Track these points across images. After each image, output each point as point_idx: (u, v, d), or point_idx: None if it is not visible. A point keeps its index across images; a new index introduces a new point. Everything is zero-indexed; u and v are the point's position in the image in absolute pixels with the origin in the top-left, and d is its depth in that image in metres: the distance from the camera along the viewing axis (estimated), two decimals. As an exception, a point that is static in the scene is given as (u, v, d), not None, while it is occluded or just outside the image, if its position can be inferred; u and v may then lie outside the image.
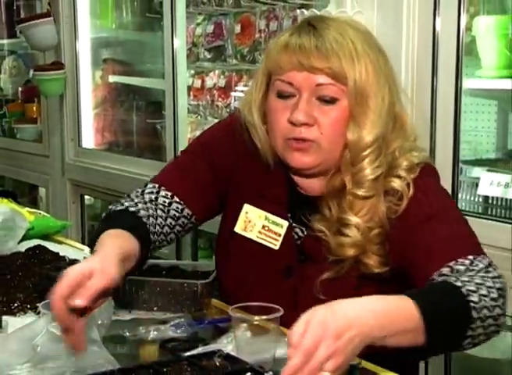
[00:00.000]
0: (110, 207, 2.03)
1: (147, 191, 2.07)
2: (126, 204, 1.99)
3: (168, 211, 2.04)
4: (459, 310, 1.63)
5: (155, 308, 2.09)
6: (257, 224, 2.04)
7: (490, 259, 1.80)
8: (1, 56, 6.23)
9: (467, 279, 1.67)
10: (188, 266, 2.29)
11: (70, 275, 1.57)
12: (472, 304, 1.63)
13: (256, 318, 1.74)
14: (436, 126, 2.59)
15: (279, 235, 2.02)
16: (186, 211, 2.07)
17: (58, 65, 4.70)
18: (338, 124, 1.88)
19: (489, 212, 2.68)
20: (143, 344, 1.90)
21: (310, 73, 1.85)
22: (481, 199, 2.72)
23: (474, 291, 1.65)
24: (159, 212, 2.01)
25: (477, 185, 2.72)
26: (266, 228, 2.03)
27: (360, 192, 1.88)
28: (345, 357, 1.42)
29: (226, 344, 1.79)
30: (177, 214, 2.06)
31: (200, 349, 1.75)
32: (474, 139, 3.09)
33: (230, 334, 1.81)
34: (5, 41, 6.05)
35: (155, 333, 1.92)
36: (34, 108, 5.62)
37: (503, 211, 2.66)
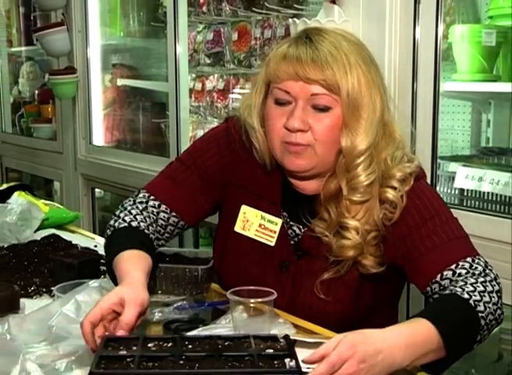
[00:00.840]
0: (111, 224, 1.99)
1: (138, 200, 2.05)
2: (127, 219, 1.97)
3: (156, 220, 2.03)
4: (471, 323, 1.65)
5: (159, 292, 2.08)
6: (254, 223, 2.02)
7: (484, 259, 1.81)
8: (19, 62, 6.24)
9: (471, 288, 1.68)
10: (189, 253, 2.27)
11: (102, 305, 1.61)
12: (480, 314, 1.65)
13: (252, 301, 1.76)
14: (417, 126, 2.58)
15: (274, 232, 2.00)
16: (172, 219, 2.06)
17: (71, 69, 4.70)
18: (331, 131, 1.85)
19: (465, 204, 2.68)
20: (148, 324, 1.89)
21: (305, 84, 1.83)
22: (457, 192, 2.72)
23: (479, 301, 1.67)
24: (149, 220, 2.01)
25: (453, 179, 2.72)
26: (262, 226, 2.01)
27: (356, 197, 1.86)
28: None
29: (225, 325, 1.78)
30: (164, 223, 2.05)
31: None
32: (450, 137, 3.08)
33: (228, 316, 1.81)
34: (23, 48, 6.05)
35: (159, 314, 1.92)
36: (49, 109, 5.61)
37: (477, 202, 2.66)
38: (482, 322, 1.65)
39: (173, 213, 2.06)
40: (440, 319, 1.60)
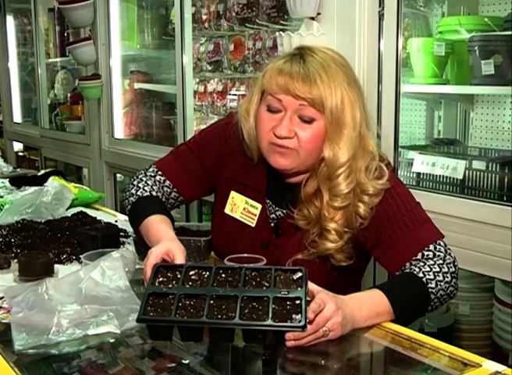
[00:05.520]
0: (133, 192, 2.02)
1: (148, 173, 2.08)
2: (147, 189, 2.01)
3: (162, 193, 2.05)
4: (420, 295, 1.67)
5: (169, 259, 2.05)
6: (240, 206, 2.00)
7: (444, 243, 1.79)
8: (55, 70, 6.21)
9: (428, 269, 1.69)
10: (193, 226, 2.25)
11: (155, 253, 1.70)
12: (430, 289, 1.67)
13: (245, 266, 1.72)
14: (381, 121, 2.57)
15: (255, 215, 1.97)
16: (174, 194, 2.07)
17: (96, 76, 4.66)
18: (314, 139, 1.77)
19: (421, 185, 2.66)
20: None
21: (294, 98, 1.75)
22: (414, 175, 2.70)
23: (432, 279, 1.67)
24: (160, 191, 2.05)
25: (411, 164, 2.71)
26: (246, 210, 1.99)
27: (337, 203, 1.79)
28: (339, 334, 1.51)
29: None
30: (166, 195, 2.06)
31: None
32: (409, 130, 3.09)
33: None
34: (58, 59, 6.03)
35: (169, 277, 1.90)
36: (79, 109, 5.58)
37: (430, 183, 2.64)
38: (432, 296, 1.68)
39: (175, 189, 2.07)
40: (389, 288, 1.65)
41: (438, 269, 1.69)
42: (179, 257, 1.69)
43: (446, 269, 1.71)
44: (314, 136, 1.78)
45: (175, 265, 1.65)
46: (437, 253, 1.74)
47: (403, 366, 1.48)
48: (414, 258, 1.74)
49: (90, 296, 1.61)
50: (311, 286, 1.55)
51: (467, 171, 2.52)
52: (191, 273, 1.58)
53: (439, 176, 2.61)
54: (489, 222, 2.30)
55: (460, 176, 2.53)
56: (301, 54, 1.81)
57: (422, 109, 3.22)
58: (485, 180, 2.48)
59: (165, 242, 1.75)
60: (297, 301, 1.47)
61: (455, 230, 2.34)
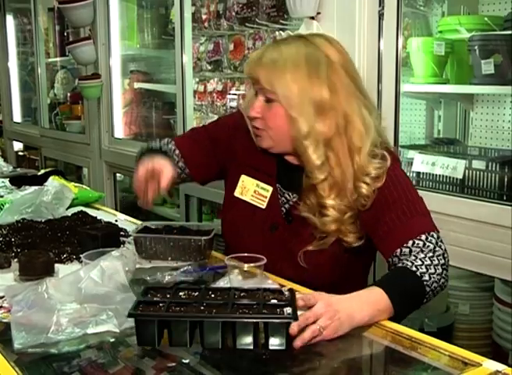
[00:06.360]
0: (144, 146, 2.21)
1: (162, 141, 2.20)
2: (158, 145, 2.18)
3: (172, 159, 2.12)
4: (416, 289, 1.68)
5: (169, 259, 2.07)
6: (250, 189, 2.04)
7: (438, 234, 1.80)
8: (55, 70, 6.23)
9: (420, 262, 1.70)
10: (193, 226, 2.25)
11: (145, 164, 1.96)
12: (425, 282, 1.67)
13: (246, 265, 1.75)
14: (381, 120, 2.56)
15: (266, 197, 2.00)
16: (180, 164, 2.15)
17: (96, 75, 4.67)
18: (277, 118, 1.86)
19: (420, 184, 2.66)
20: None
21: (255, 83, 1.88)
22: (414, 174, 2.70)
23: (425, 272, 1.68)
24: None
25: (411, 164, 2.71)
26: (256, 192, 2.02)
27: (314, 179, 1.85)
28: (333, 332, 1.49)
29: (223, 286, 1.76)
30: (174, 163, 2.10)
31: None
32: (409, 129, 3.08)
33: (226, 278, 1.79)
34: (58, 59, 6.04)
35: (169, 277, 1.90)
36: (79, 108, 5.59)
37: (430, 183, 2.65)
38: (427, 289, 1.69)
39: (182, 159, 2.15)
40: (388, 285, 1.64)
41: (429, 262, 1.71)
42: (167, 169, 1.93)
43: (436, 262, 1.72)
44: (274, 114, 1.86)
45: (164, 287, 1.63)
46: (427, 243, 1.75)
47: (403, 366, 1.48)
48: (404, 244, 1.76)
49: (90, 295, 1.61)
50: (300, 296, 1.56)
51: (466, 171, 2.52)
52: (180, 293, 1.58)
53: (439, 175, 2.61)
54: (489, 221, 2.30)
55: (460, 176, 2.53)
56: (271, 43, 1.95)
57: (422, 109, 3.22)
58: (485, 179, 2.48)
59: (157, 159, 1.97)
60: (287, 308, 1.48)
61: (454, 229, 2.34)
